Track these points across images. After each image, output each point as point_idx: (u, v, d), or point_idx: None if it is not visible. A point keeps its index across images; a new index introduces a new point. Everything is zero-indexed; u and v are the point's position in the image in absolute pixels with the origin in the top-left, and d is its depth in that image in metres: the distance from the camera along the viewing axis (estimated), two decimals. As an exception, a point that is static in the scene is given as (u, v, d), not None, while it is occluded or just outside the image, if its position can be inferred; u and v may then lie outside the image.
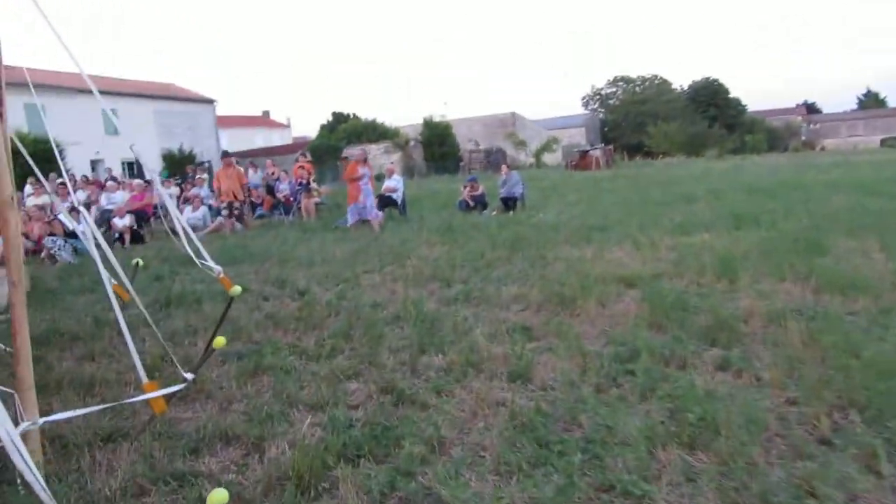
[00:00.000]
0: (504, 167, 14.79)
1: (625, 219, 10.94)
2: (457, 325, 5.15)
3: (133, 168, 33.47)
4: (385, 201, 13.83)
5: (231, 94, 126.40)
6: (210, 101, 43.02)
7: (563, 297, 5.72)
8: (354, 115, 53.98)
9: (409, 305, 5.60)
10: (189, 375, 3.50)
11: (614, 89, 74.37)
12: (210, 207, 15.87)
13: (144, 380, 3.31)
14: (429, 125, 38.67)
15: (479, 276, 7.19)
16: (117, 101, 36.14)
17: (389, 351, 4.65)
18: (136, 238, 12.39)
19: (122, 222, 12.50)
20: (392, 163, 36.92)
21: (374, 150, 37.97)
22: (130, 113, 36.57)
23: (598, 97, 75.05)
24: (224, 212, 13.75)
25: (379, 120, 43.56)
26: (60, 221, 10.35)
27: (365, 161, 12.95)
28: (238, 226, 14.23)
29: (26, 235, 11.34)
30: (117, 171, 33.07)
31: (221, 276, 4.21)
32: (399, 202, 14.01)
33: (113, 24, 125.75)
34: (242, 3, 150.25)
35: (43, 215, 10.77)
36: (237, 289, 4.13)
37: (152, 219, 16.84)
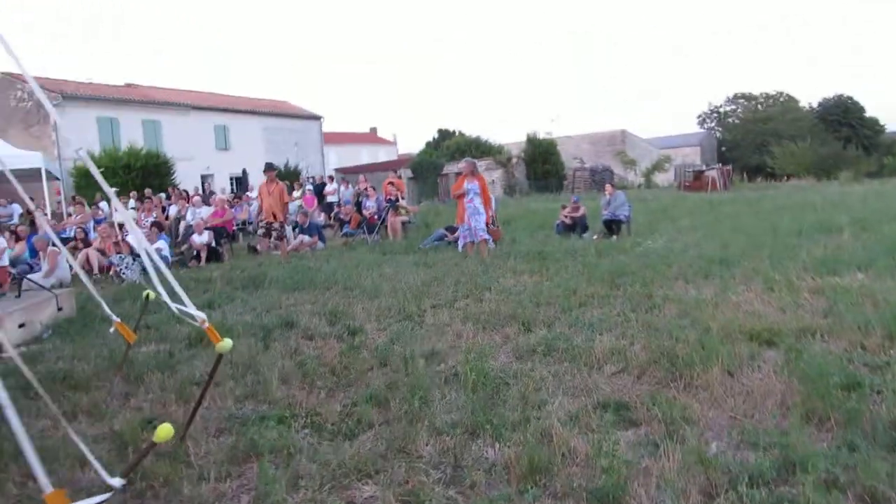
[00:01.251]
0: (608, 186, 13.29)
1: (751, 250, 9.21)
2: (527, 395, 3.87)
3: (239, 183, 34.14)
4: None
5: (340, 112, 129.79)
6: (317, 118, 43.66)
7: (674, 359, 4.31)
8: (460, 132, 53.58)
9: (469, 364, 4.35)
10: (116, 481, 2.45)
11: (734, 107, 70.18)
12: (297, 225, 15.32)
13: (46, 488, 2.27)
14: (532, 142, 37.25)
15: (567, 318, 5.86)
16: (230, 118, 37.29)
17: (431, 431, 3.44)
18: (214, 256, 11.85)
19: (200, 239, 12.02)
20: (493, 182, 35.97)
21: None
22: (241, 129, 37.61)
23: (715, 115, 71.03)
24: (260, 232, 12.09)
25: (483, 137, 42.75)
26: (128, 242, 9.89)
27: (473, 173, 10.92)
28: (320, 244, 13.51)
29: (103, 252, 11.05)
30: (221, 186, 33.96)
31: (206, 325, 3.17)
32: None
33: (228, 45, 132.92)
34: (354, 24, 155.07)
35: (113, 233, 10.40)
36: (227, 343, 3.10)
37: (240, 235, 16.53)
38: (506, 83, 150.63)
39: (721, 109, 70.61)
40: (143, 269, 9.78)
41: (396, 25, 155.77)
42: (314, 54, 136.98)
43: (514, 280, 8.07)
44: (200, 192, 22.89)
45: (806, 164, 43.21)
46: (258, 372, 4.59)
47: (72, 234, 12.55)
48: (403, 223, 14.71)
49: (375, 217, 14.35)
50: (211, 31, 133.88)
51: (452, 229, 12.77)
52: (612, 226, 12.62)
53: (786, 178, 41.14)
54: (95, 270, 10.57)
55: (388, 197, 15.64)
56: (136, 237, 3.60)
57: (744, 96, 69.61)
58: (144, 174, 27.04)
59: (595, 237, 12.75)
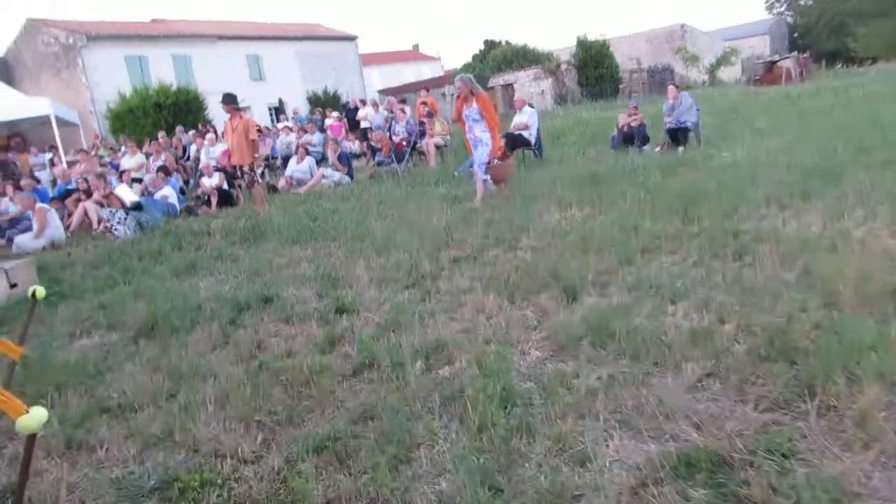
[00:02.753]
0: (671, 88, 11.32)
1: (859, 156, 7.36)
2: (563, 436, 2.47)
3: (276, 113, 32.83)
4: (515, 141, 11.02)
5: (380, 31, 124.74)
6: (352, 39, 41.46)
7: (792, 354, 2.81)
8: (507, 42, 50.54)
9: (480, 383, 2.94)
10: None
11: (806, -14, 63.85)
12: (323, 157, 13.97)
13: None
14: (583, 45, 34.24)
15: (626, 274, 4.37)
16: (262, 46, 35.63)
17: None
18: (226, 199, 10.61)
19: (210, 182, 10.80)
20: (542, 92, 33.50)
21: (523, 76, 34.65)
22: (274, 57, 35.93)
23: (785, -2, 64.96)
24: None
25: (531, 45, 39.85)
26: (117, 196, 8.70)
27: (472, 93, 7.99)
28: (346, 178, 12.14)
29: (101, 204, 9.97)
30: (261, 118, 32.66)
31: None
32: (533, 141, 11.14)
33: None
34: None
35: (101, 184, 9.22)
36: (34, 418, 1.79)
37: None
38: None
39: (792, -10, 64.49)
40: (139, 224, 8.64)
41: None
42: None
43: (560, 215, 6.54)
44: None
45: None
46: (192, 389, 3.32)
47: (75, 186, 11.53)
48: (438, 147, 13.16)
49: (404, 143, 12.81)
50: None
51: (491, 152, 11.20)
52: (677, 135, 10.76)
53: (870, 61, 37.07)
54: (95, 225, 9.51)
55: (421, 118, 14.05)
56: None
57: (818, -27, 63.19)
58: (176, 111, 25.96)
59: (658, 149, 10.97)
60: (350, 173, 12.53)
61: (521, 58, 37.97)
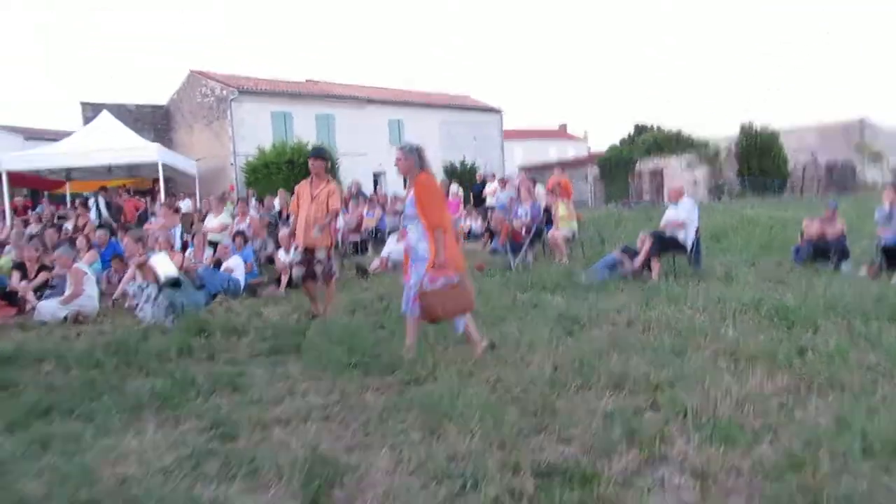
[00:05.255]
0: (890, 190, 8.38)
1: None
2: None
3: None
4: (665, 244, 8.48)
5: (529, 108, 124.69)
6: (497, 112, 40.49)
7: None
8: (658, 127, 47.85)
9: None
10: None
11: None
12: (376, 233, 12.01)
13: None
14: (747, 133, 30.87)
15: None
16: (406, 112, 35.33)
17: None
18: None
19: (285, 258, 9.06)
20: (695, 182, 30.36)
21: (675, 163, 31.69)
22: (417, 123, 35.41)
23: None
24: (295, 259, 6.94)
25: (685, 131, 36.83)
26: (151, 267, 7.04)
27: (412, 172, 5.21)
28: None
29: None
30: (396, 184, 31.82)
31: None
32: (689, 246, 8.54)
33: (411, 39, 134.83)
34: (540, 15, 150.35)
35: (137, 249, 7.57)
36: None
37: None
38: (714, 75, 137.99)
39: None
40: (172, 306, 6.91)
41: (589, 15, 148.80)
42: (501, 48, 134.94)
43: (737, 382, 3.99)
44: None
45: None
46: None
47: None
48: (567, 239, 10.82)
49: (524, 231, 10.56)
50: (396, 26, 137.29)
51: (631, 253, 8.71)
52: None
53: None
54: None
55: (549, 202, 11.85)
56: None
57: None
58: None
59: (864, 272, 8.02)
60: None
61: (674, 143, 35.09)
